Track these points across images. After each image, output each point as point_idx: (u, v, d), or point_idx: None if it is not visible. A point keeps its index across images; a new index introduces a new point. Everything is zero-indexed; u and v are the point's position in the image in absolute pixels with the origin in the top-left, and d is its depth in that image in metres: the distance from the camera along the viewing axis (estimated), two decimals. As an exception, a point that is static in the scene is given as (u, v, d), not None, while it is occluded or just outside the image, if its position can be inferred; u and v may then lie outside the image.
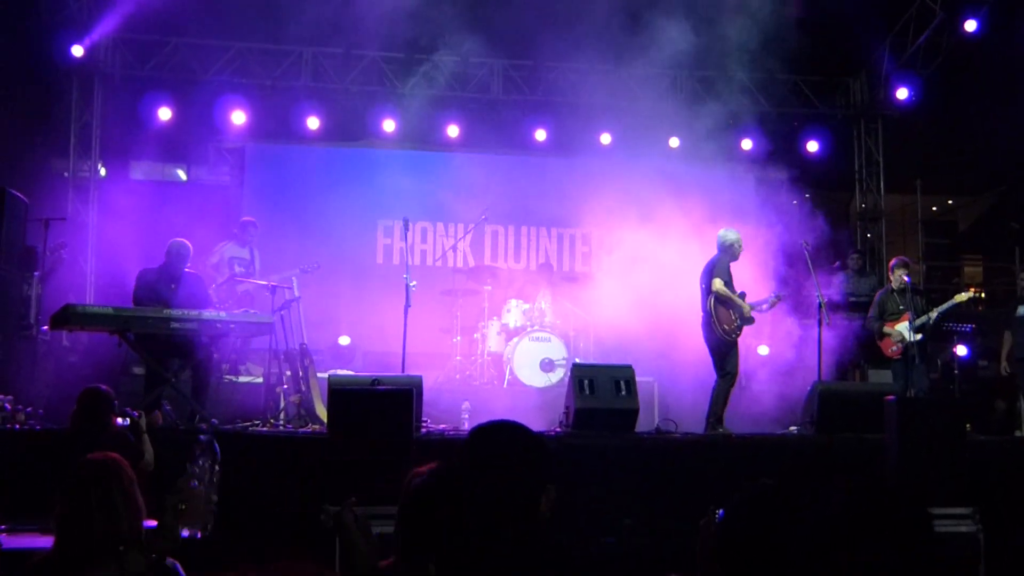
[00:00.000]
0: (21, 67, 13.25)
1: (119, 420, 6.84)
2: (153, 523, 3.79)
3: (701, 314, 10.10)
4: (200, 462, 3.57)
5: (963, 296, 11.44)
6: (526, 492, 2.70)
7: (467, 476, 2.73)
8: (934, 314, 11.10)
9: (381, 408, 7.24)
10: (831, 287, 13.13)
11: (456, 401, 10.39)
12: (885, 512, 2.57)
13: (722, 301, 9.88)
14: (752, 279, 10.77)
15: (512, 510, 2.66)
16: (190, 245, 10.07)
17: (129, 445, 6.51)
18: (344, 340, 13.53)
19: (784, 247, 11.99)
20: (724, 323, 9.84)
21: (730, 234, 10.19)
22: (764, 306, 10.30)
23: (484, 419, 3.00)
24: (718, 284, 9.87)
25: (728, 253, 10.11)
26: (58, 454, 6.52)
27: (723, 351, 9.92)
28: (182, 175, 17.58)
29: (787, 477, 7.77)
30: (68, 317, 8.77)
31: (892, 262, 11.61)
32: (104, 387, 6.91)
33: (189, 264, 10.09)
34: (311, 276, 12.22)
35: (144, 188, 15.42)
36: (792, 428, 9.82)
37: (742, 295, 10.04)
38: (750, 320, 10.04)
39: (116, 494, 3.77)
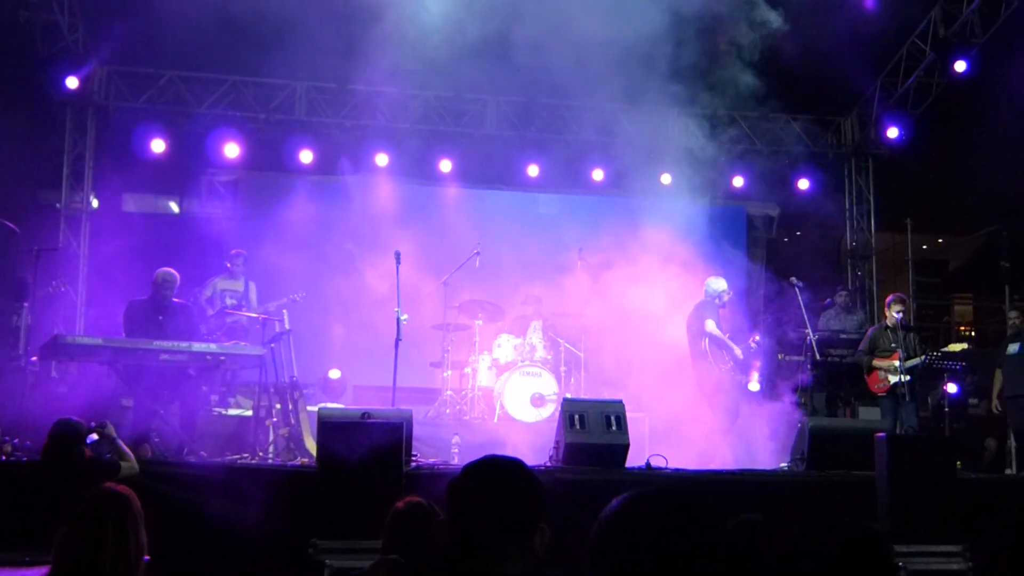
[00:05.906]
0: (15, 97, 13.26)
1: (90, 437, 6.80)
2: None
3: (693, 358, 10.14)
4: None
5: (957, 347, 11.46)
6: (518, 526, 2.66)
7: (459, 504, 2.68)
8: (922, 359, 11.07)
9: (371, 441, 7.19)
10: (821, 324, 13.15)
11: (446, 435, 10.36)
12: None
13: (716, 342, 9.96)
14: (743, 317, 10.80)
15: (504, 540, 2.62)
16: (176, 274, 10.02)
17: (103, 472, 6.44)
18: (334, 373, 13.48)
19: (774, 285, 12.02)
20: (720, 363, 9.92)
21: (717, 283, 10.32)
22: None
23: (474, 453, 2.97)
24: (711, 325, 9.97)
25: (715, 300, 10.21)
26: (30, 486, 6.48)
27: (720, 391, 9.97)
28: (175, 207, 17.57)
29: (776, 513, 7.74)
30: (57, 348, 8.74)
31: (889, 298, 11.53)
32: (75, 418, 6.86)
33: (176, 293, 10.05)
34: (302, 309, 12.19)
35: (136, 220, 15.45)
36: (783, 464, 9.79)
37: (730, 338, 10.15)
38: (740, 359, 10.13)
39: (129, 527, 3.74)
